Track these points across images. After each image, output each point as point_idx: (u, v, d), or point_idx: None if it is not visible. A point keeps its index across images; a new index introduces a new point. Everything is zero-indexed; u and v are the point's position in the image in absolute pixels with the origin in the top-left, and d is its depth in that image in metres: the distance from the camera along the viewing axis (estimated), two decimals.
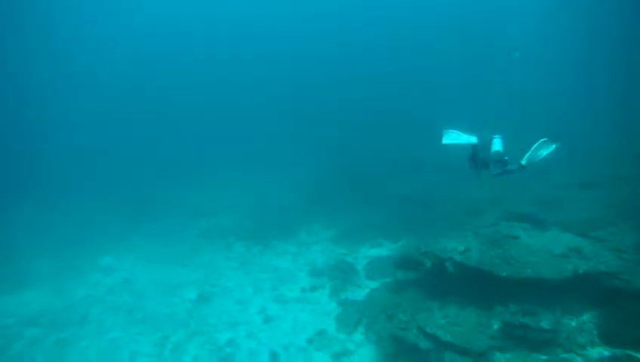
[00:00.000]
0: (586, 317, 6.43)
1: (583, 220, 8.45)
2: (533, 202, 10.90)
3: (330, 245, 13.32)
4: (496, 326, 6.51)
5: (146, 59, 42.49)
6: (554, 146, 6.43)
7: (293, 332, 8.82)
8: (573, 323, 6.35)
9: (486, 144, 6.71)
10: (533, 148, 6.51)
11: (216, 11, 41.25)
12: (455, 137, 6.77)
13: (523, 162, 6.52)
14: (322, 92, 38.94)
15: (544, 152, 6.45)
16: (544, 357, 6.01)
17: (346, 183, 18.71)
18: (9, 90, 33.85)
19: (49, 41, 33.99)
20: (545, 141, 6.54)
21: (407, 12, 38.53)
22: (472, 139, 6.75)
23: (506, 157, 6.59)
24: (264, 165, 24.14)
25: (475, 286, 7.17)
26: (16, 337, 9.37)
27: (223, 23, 42.50)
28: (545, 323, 6.17)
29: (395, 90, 33.70)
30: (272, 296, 10.37)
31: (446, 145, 6.77)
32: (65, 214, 18.11)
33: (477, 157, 6.78)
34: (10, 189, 22.03)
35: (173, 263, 12.70)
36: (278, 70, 42.61)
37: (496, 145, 6.65)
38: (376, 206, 15.87)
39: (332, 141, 26.38)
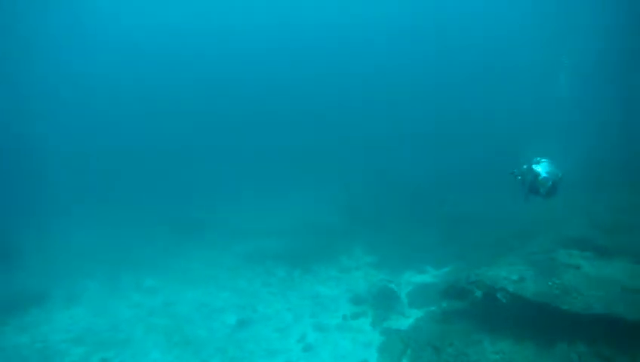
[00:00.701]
0: None
1: None
2: (590, 225, 10.08)
3: (372, 270, 12.93)
4: None
5: (176, 69, 43.09)
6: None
7: None
8: None
9: (532, 169, 6.76)
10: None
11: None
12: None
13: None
14: (363, 104, 38.09)
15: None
16: None
17: (388, 201, 18.32)
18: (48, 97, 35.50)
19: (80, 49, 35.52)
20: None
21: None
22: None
23: (550, 181, 6.54)
24: (303, 181, 23.99)
25: (531, 319, 6.56)
26: (65, 354, 9.61)
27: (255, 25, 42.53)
28: None
29: (443, 103, 32.61)
30: (312, 324, 10.06)
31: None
32: (110, 232, 18.77)
33: (528, 184, 6.80)
34: (58, 207, 22.89)
35: (213, 287, 12.70)
36: (318, 78, 42.00)
37: (542, 169, 6.66)
38: (419, 227, 15.38)
39: (374, 157, 25.88)
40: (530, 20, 30.30)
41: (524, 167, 7.02)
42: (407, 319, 9.76)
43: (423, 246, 13.85)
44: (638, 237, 8.65)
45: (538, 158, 6.91)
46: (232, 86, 43.12)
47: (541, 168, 6.70)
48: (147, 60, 41.83)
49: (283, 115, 39.31)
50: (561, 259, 7.07)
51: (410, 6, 38.89)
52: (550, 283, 6.34)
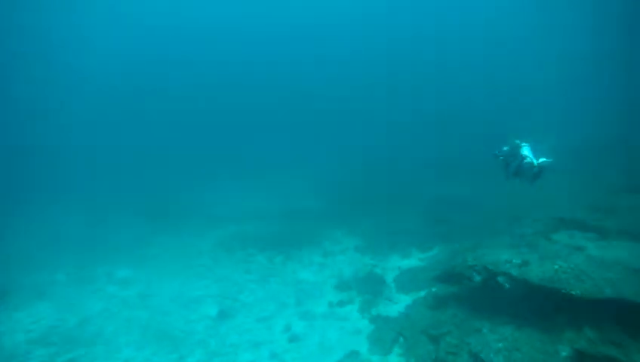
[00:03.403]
0: None
1: None
2: (583, 207, 9.81)
3: (357, 255, 12.48)
4: (564, 354, 5.51)
5: (160, 61, 42.49)
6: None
7: (320, 353, 8.00)
8: None
9: (515, 152, 6.77)
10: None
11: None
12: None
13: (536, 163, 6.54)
14: (347, 90, 37.89)
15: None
16: None
17: (371, 185, 17.98)
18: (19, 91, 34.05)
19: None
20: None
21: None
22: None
23: (535, 164, 6.48)
24: (283, 165, 23.47)
25: (534, 304, 6.23)
26: (25, 356, 8.74)
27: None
28: None
29: (427, 88, 32.59)
30: (297, 312, 9.55)
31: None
32: (81, 221, 17.74)
33: (510, 166, 6.86)
34: (24, 193, 21.72)
35: (191, 275, 11.98)
36: (303, 68, 41.75)
37: (525, 152, 6.65)
38: (403, 210, 15.07)
39: (355, 141, 25.55)
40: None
41: (505, 148, 7.06)
42: (396, 305, 9.39)
43: (407, 230, 13.50)
44: (629, 217, 8.43)
45: (519, 141, 6.87)
46: (215, 73, 42.87)
47: (526, 152, 6.65)
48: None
49: (262, 100, 38.91)
50: (563, 241, 6.76)
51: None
52: (557, 267, 5.98)
